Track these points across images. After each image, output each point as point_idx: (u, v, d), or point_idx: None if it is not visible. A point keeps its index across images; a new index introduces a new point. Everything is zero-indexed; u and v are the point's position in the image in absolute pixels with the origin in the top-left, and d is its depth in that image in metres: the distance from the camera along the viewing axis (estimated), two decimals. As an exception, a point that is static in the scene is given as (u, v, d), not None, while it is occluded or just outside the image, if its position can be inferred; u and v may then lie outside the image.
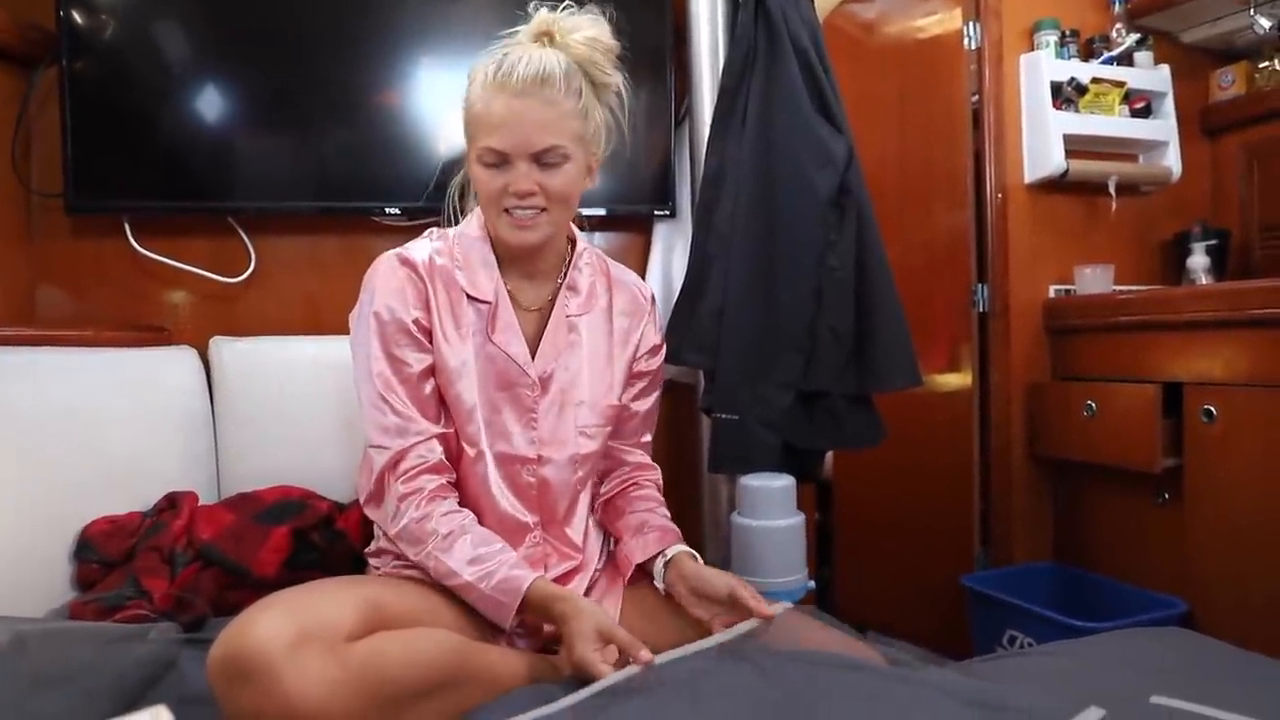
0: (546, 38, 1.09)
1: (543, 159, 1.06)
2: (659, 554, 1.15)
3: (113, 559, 1.30)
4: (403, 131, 1.71)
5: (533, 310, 1.18)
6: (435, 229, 1.20)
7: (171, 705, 0.78)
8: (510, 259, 1.17)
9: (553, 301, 1.19)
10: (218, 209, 1.69)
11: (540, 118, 1.05)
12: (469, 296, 1.13)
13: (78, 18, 1.56)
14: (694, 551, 1.16)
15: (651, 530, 1.19)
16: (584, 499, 1.24)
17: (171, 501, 1.40)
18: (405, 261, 1.12)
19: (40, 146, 1.66)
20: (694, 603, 1.09)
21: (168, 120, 1.63)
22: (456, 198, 1.27)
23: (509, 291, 1.16)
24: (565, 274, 1.21)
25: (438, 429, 1.11)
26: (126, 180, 1.62)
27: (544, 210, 1.08)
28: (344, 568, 1.33)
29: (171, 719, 0.76)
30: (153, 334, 1.65)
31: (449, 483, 1.11)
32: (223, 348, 1.58)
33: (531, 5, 1.12)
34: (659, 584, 1.14)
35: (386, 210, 1.72)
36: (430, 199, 1.71)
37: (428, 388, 1.11)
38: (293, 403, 1.56)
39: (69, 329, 1.50)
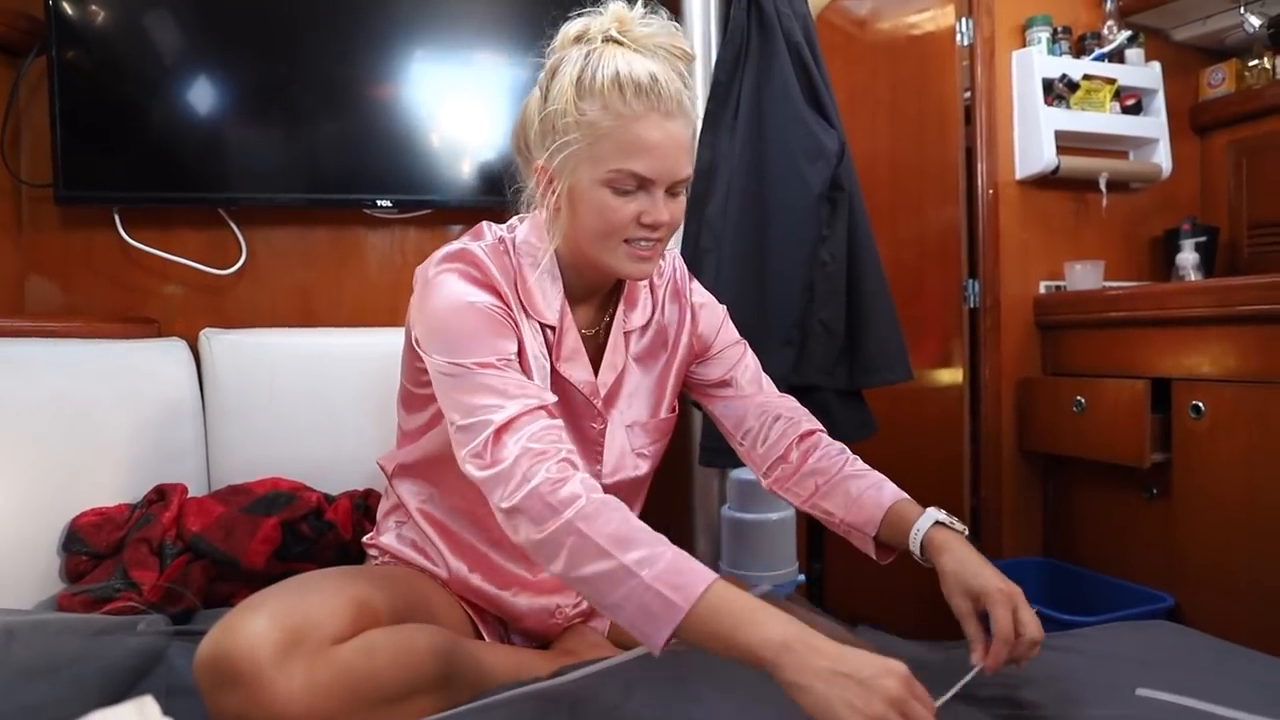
0: (628, 38, 0.93)
1: (675, 188, 0.96)
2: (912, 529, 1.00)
3: (102, 551, 1.29)
4: (395, 124, 1.70)
5: (588, 334, 1.08)
6: (491, 224, 1.06)
7: (160, 696, 0.78)
8: (578, 284, 1.04)
9: (610, 322, 1.09)
10: (208, 200, 1.68)
11: (684, 142, 0.94)
12: (528, 315, 1.00)
13: (67, 7, 1.55)
14: (949, 519, 1.00)
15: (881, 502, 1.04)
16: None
17: (161, 493, 1.39)
18: (477, 259, 0.97)
19: (29, 137, 1.64)
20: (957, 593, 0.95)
21: (158, 111, 1.62)
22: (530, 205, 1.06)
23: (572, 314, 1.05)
24: (624, 289, 1.10)
25: (551, 404, 0.93)
26: (116, 171, 1.61)
27: (661, 241, 0.98)
28: (334, 558, 1.33)
29: (157, 709, 0.76)
30: (143, 326, 1.64)
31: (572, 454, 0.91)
32: (213, 340, 1.58)
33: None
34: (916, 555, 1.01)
35: (378, 203, 1.71)
36: (420, 190, 1.70)
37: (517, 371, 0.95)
38: (283, 395, 1.55)
39: (58, 320, 1.49)
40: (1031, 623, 0.89)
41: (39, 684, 0.91)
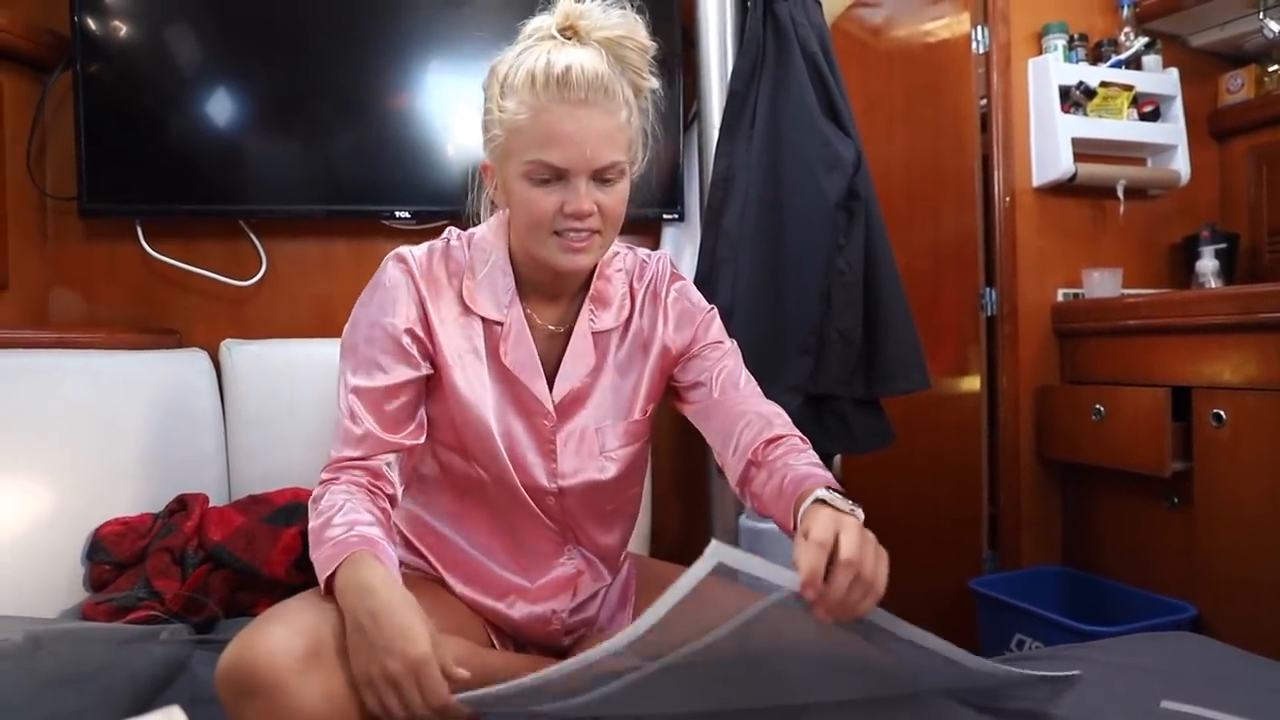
0: (571, 33, 0.95)
1: (602, 175, 0.95)
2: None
3: (124, 560, 1.31)
4: (412, 135, 1.71)
5: (554, 330, 1.07)
6: (455, 229, 1.09)
7: (184, 705, 0.79)
8: (534, 279, 1.05)
9: (572, 320, 1.08)
10: (229, 212, 1.70)
11: (603, 129, 0.93)
12: (469, 311, 1.03)
13: (91, 23, 1.58)
14: (824, 495, 0.86)
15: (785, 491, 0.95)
16: (620, 515, 1.17)
17: (182, 503, 1.40)
18: (404, 265, 1.03)
19: (54, 150, 1.67)
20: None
21: (179, 124, 1.64)
22: (486, 205, 1.11)
23: (527, 314, 1.05)
24: (590, 285, 1.09)
25: (396, 439, 0.99)
26: (139, 184, 1.63)
27: (597, 233, 0.97)
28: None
29: None
30: (164, 336, 1.66)
31: (378, 488, 0.98)
32: (233, 350, 1.59)
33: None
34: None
35: (396, 214, 1.73)
36: (439, 201, 1.72)
37: (398, 401, 1.00)
38: (302, 405, 1.57)
39: (82, 331, 1.51)
40: (848, 544, 0.77)
41: (66, 693, 0.92)
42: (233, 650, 0.81)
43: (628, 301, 1.11)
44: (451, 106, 1.74)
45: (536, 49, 0.94)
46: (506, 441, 1.05)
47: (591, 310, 1.08)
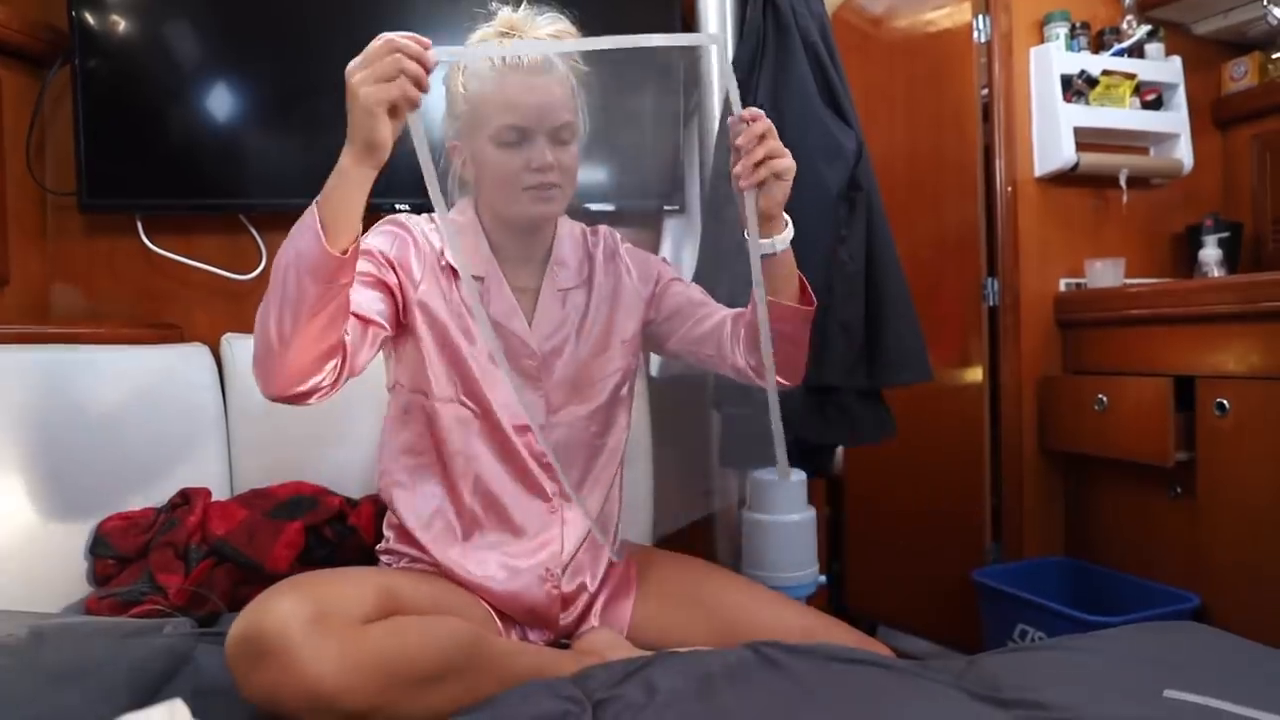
0: (512, 33, 1.10)
1: (558, 135, 1.09)
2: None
3: (128, 554, 1.31)
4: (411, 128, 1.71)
5: (525, 289, 1.20)
6: (423, 215, 1.22)
7: (187, 699, 0.79)
8: (502, 243, 1.18)
9: (541, 280, 1.21)
10: (229, 206, 1.70)
11: (557, 94, 1.09)
12: (457, 274, 1.13)
13: (89, 18, 1.57)
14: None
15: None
16: (603, 467, 1.23)
17: (185, 497, 1.41)
18: (397, 222, 1.16)
19: (54, 145, 1.67)
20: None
21: (179, 118, 1.64)
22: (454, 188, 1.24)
23: (503, 272, 1.18)
24: (550, 250, 1.22)
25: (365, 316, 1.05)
26: (139, 178, 1.63)
27: (557, 185, 1.10)
28: (356, 563, 1.34)
29: (187, 712, 0.77)
30: (165, 331, 1.66)
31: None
32: (234, 344, 1.59)
33: (493, 4, 1.14)
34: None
35: (396, 206, 1.72)
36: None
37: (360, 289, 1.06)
38: (304, 399, 1.56)
39: (83, 327, 1.51)
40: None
41: (69, 687, 0.92)
42: (243, 618, 0.85)
43: (586, 263, 1.26)
44: (451, 99, 1.73)
45: (489, 43, 1.10)
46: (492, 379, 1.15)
47: (555, 270, 1.22)
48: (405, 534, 1.17)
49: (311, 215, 0.89)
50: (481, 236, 1.18)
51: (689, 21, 1.75)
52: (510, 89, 1.07)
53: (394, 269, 1.11)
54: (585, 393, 1.21)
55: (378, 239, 1.12)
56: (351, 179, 0.90)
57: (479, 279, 1.15)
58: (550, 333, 1.19)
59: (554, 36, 1.10)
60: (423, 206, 1.71)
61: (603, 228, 1.33)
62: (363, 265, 1.06)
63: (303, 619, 0.82)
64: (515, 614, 1.15)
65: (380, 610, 0.92)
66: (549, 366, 1.18)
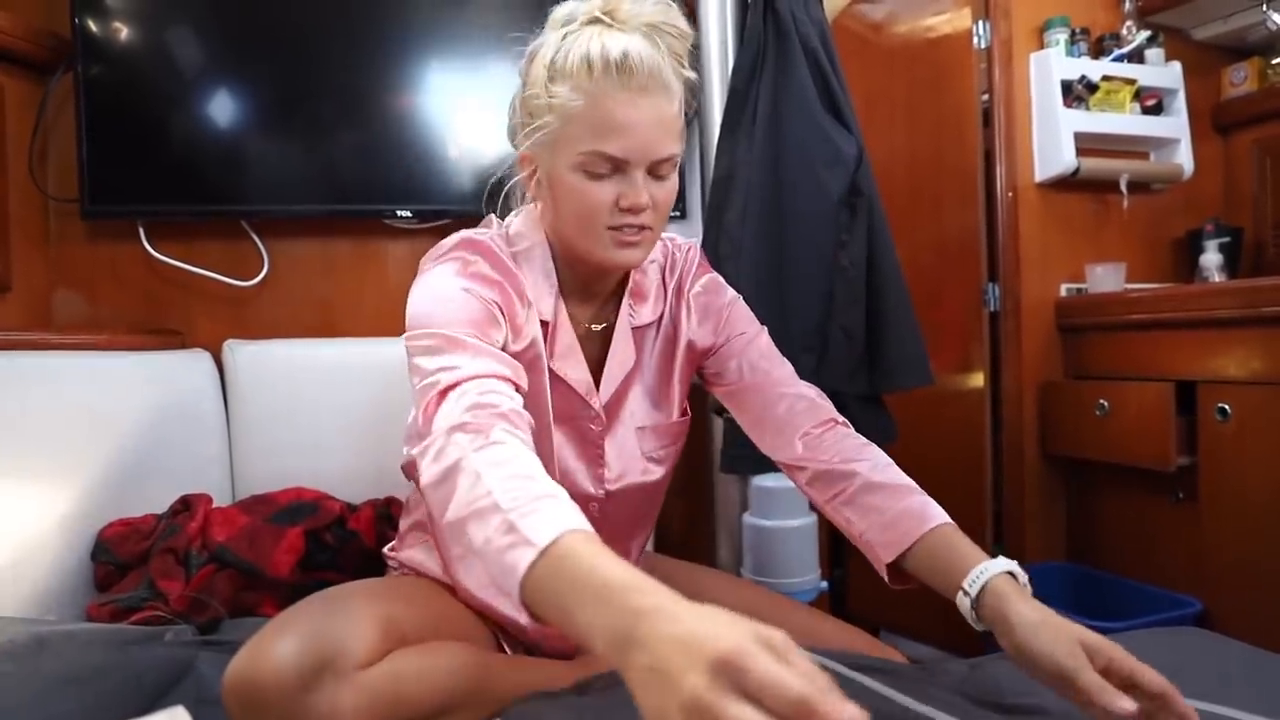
0: (612, 18, 0.90)
1: (659, 169, 0.92)
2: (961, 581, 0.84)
3: (128, 561, 1.31)
4: (414, 134, 1.71)
5: (592, 329, 1.04)
6: (489, 225, 1.04)
7: (189, 706, 0.79)
8: (572, 276, 1.01)
9: (615, 318, 1.04)
10: (231, 212, 1.70)
11: (662, 119, 0.89)
12: (529, 305, 0.97)
13: (92, 25, 1.58)
14: (1014, 569, 0.85)
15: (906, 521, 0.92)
16: (651, 520, 1.17)
17: (186, 504, 1.41)
18: (478, 248, 0.95)
19: (56, 152, 1.67)
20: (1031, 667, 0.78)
21: (181, 125, 1.64)
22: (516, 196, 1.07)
23: (568, 312, 1.01)
24: (628, 279, 1.05)
25: (518, 380, 0.86)
26: (141, 185, 1.63)
27: (648, 228, 0.93)
28: (357, 567, 1.34)
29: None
30: (167, 337, 1.66)
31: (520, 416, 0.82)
32: (236, 351, 1.59)
33: None
34: (969, 617, 0.85)
35: (398, 213, 1.73)
36: (441, 200, 1.71)
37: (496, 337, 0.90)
38: (305, 405, 1.57)
39: (85, 333, 1.51)
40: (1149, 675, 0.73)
41: (70, 694, 0.92)
42: (238, 664, 0.80)
43: (662, 293, 1.08)
44: (453, 105, 1.74)
45: (584, 33, 0.89)
46: (548, 448, 1.01)
47: (631, 306, 1.05)
48: (421, 524, 1.12)
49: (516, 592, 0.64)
50: (551, 270, 0.99)
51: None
52: (611, 107, 0.87)
53: (503, 319, 0.93)
54: (644, 463, 1.06)
55: (487, 290, 0.92)
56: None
57: (545, 323, 0.98)
58: (616, 382, 1.03)
59: (659, 24, 0.90)
60: (422, 212, 1.73)
61: (687, 246, 1.13)
62: (487, 328, 0.88)
63: (300, 668, 0.78)
64: (522, 637, 1.14)
65: (382, 644, 0.86)
66: (611, 425, 1.03)
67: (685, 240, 1.14)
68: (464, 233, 0.98)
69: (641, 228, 0.92)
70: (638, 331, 1.05)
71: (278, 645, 0.80)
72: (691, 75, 0.96)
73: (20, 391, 1.32)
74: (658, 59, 0.89)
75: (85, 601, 1.29)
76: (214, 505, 1.42)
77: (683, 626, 0.53)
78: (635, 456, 1.06)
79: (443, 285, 0.91)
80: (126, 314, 1.71)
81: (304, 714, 0.78)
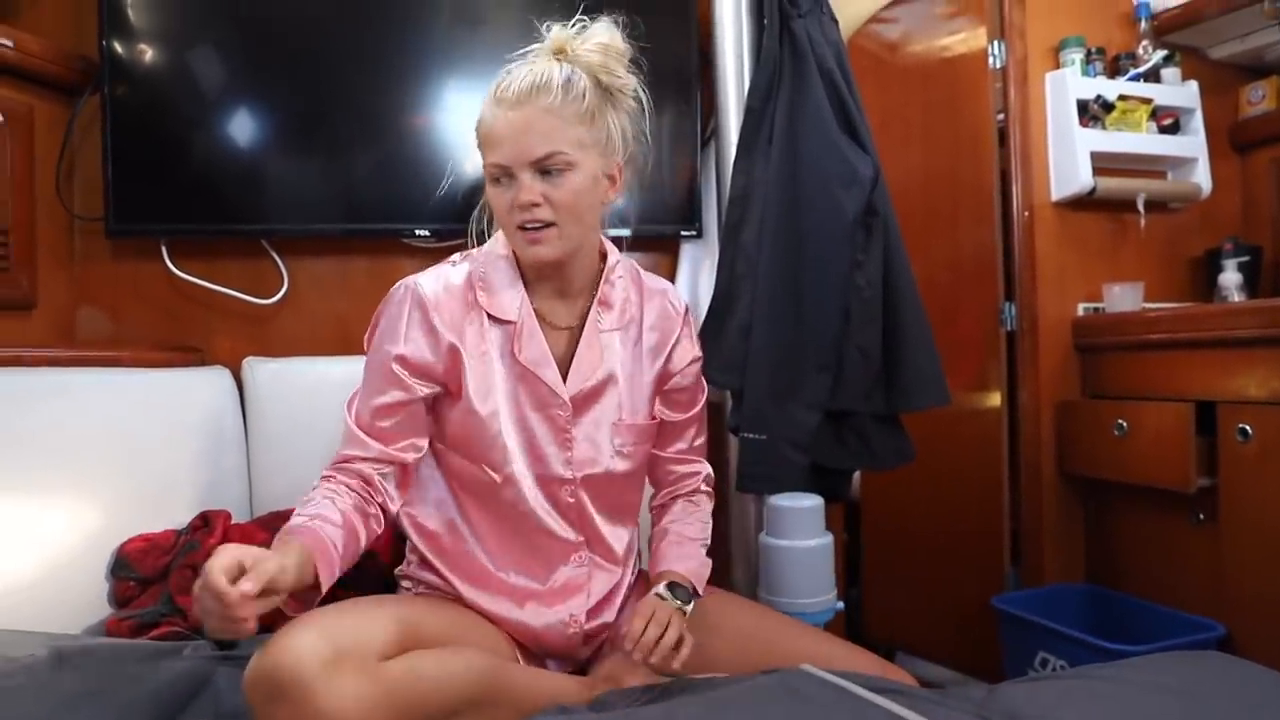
0: (561, 54, 1.07)
1: (545, 167, 1.03)
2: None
3: (148, 576, 1.32)
4: (431, 153, 1.73)
5: (563, 328, 1.15)
6: (459, 253, 1.18)
7: (208, 722, 0.80)
8: (538, 277, 1.13)
9: (584, 319, 1.15)
10: (251, 231, 1.72)
11: (538, 126, 1.02)
12: (490, 317, 1.10)
13: (119, 47, 1.61)
14: (662, 592, 1.10)
15: (662, 557, 1.21)
16: (627, 517, 1.23)
17: (205, 520, 1.42)
18: (412, 294, 1.09)
19: (82, 172, 1.70)
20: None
21: (203, 145, 1.67)
22: (485, 220, 1.23)
23: (538, 311, 1.13)
24: (598, 289, 1.16)
25: (389, 450, 1.08)
26: (164, 204, 1.65)
27: (552, 225, 1.04)
28: (374, 586, 1.34)
29: (208, 735, 0.77)
30: (188, 355, 1.68)
31: (369, 494, 1.07)
32: (255, 368, 1.61)
33: (545, 26, 1.10)
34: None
35: (416, 232, 1.74)
36: (458, 220, 1.73)
37: (391, 420, 1.08)
38: (323, 422, 1.57)
39: (108, 350, 1.53)
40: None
41: (89, 709, 0.93)
42: (260, 655, 0.84)
43: (631, 307, 1.19)
44: (470, 125, 1.74)
45: (506, 70, 1.09)
46: (525, 436, 1.11)
47: (599, 312, 1.16)
48: (427, 563, 1.16)
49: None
50: (515, 272, 1.13)
51: (706, 51, 1.76)
52: (494, 124, 1.04)
53: (411, 366, 1.07)
54: (614, 455, 1.16)
55: (404, 346, 1.08)
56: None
57: (511, 323, 1.11)
58: (586, 378, 1.13)
59: (601, 48, 1.07)
60: (440, 231, 1.74)
61: (670, 288, 1.27)
62: (394, 395, 1.07)
63: (321, 657, 0.82)
64: (535, 650, 1.14)
65: (400, 643, 0.91)
66: (580, 416, 1.13)
67: (661, 282, 1.27)
68: (405, 280, 1.12)
69: (545, 224, 1.04)
70: (608, 335, 1.16)
71: (300, 637, 0.84)
72: (627, 81, 1.10)
73: (43, 407, 1.34)
74: (547, 75, 1.04)
75: (104, 617, 1.30)
76: (233, 521, 1.43)
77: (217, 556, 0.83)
78: (603, 447, 1.15)
79: (370, 354, 1.12)
80: (148, 331, 1.73)
81: (324, 703, 0.81)
